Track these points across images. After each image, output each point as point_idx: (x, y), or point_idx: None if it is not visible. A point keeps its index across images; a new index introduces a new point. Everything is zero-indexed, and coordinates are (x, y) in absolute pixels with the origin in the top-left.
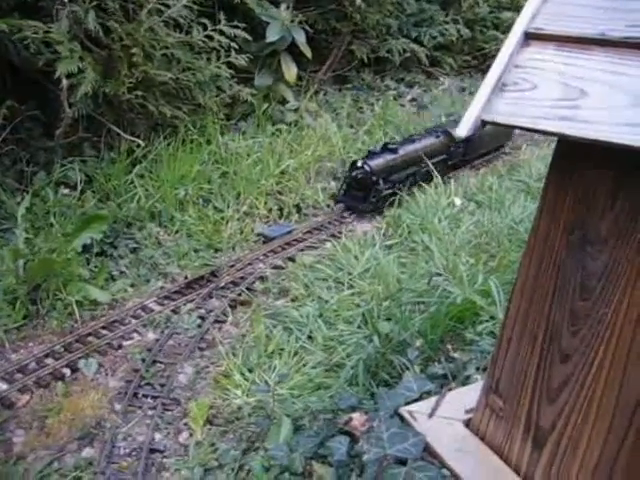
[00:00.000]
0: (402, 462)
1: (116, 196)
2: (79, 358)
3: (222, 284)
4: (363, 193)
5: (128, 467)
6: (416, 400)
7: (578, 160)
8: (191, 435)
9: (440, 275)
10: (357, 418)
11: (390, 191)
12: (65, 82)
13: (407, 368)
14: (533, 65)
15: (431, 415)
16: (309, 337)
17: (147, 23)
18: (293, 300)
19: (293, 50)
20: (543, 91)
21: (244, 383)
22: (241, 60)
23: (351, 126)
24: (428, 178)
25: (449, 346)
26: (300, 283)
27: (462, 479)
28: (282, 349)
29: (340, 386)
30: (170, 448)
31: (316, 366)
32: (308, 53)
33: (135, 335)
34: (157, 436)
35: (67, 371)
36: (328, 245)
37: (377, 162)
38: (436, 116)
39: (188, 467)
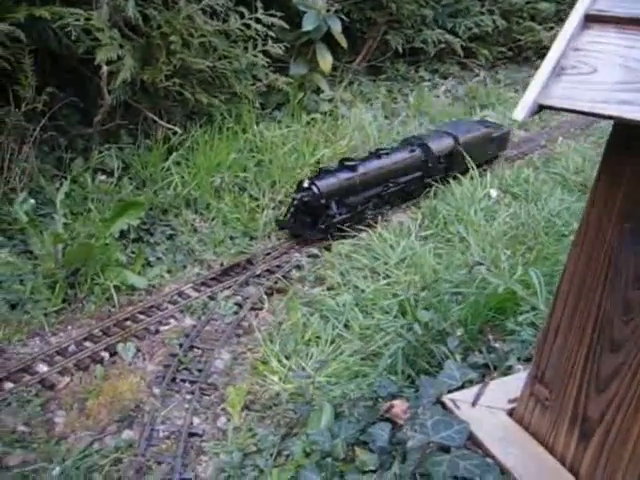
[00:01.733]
0: (445, 450)
1: (152, 183)
2: (117, 342)
3: (258, 272)
4: (311, 218)
5: (167, 450)
6: (458, 389)
7: (634, 148)
8: (229, 420)
9: (482, 264)
10: (398, 405)
11: (345, 216)
12: (105, 69)
13: (447, 357)
14: (593, 48)
15: (474, 404)
16: (345, 325)
17: (185, 11)
18: (329, 289)
19: (328, 40)
20: (603, 74)
21: (281, 370)
22: (277, 49)
23: (385, 117)
24: (396, 200)
25: (490, 336)
26: (336, 272)
27: (507, 468)
28: (319, 337)
29: (379, 374)
30: (208, 432)
31: (353, 354)
32: (343, 43)
33: (172, 320)
34: (195, 420)
35: (106, 355)
36: (363, 235)
37: (328, 182)
38: (469, 107)
39: (227, 451)
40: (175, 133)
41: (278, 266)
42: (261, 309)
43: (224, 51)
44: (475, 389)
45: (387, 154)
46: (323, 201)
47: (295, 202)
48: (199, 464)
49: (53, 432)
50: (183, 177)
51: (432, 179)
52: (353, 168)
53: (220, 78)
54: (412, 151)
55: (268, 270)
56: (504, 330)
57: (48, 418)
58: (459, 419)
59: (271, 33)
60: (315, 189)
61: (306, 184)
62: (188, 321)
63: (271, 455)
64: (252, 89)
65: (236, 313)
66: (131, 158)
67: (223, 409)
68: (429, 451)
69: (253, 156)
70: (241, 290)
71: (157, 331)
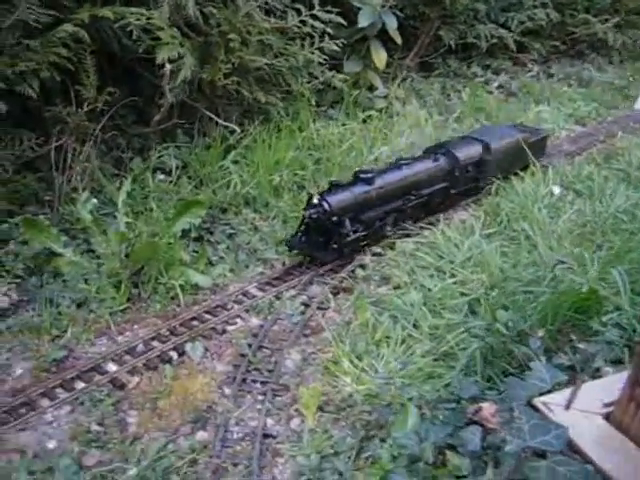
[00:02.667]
0: (540, 455)
1: (211, 182)
2: (185, 342)
3: (321, 271)
4: (324, 237)
5: (242, 452)
6: (547, 392)
7: None
8: (302, 421)
9: (564, 263)
10: (486, 408)
11: (361, 234)
12: (168, 67)
13: (529, 359)
14: None
15: (567, 407)
16: (414, 325)
17: (244, 9)
18: (395, 288)
19: (382, 36)
20: None
21: (354, 371)
22: (334, 46)
23: (440, 113)
24: (419, 214)
25: (573, 336)
26: (401, 271)
27: (610, 477)
28: (388, 337)
29: (455, 375)
30: (282, 434)
31: (425, 355)
32: (398, 39)
33: (238, 320)
34: (269, 422)
35: (174, 354)
36: (426, 232)
37: (340, 197)
38: (523, 103)
39: (304, 454)
40: (232, 132)
41: (341, 265)
42: (327, 309)
43: (281, 49)
44: (566, 392)
45: (408, 164)
46: (335, 218)
47: (305, 220)
48: (275, 466)
49: (127, 432)
50: (241, 176)
51: (458, 191)
52: (369, 181)
53: (277, 76)
54: (436, 160)
55: (331, 269)
56: (587, 331)
57: (121, 418)
58: (557, 423)
59: (328, 30)
60: (326, 205)
61: (315, 200)
62: (255, 321)
63: (349, 458)
64: (308, 87)
65: (303, 313)
66: (188, 157)
67: (296, 410)
68: (524, 456)
69: (311, 154)
70: (306, 289)
71: (224, 331)
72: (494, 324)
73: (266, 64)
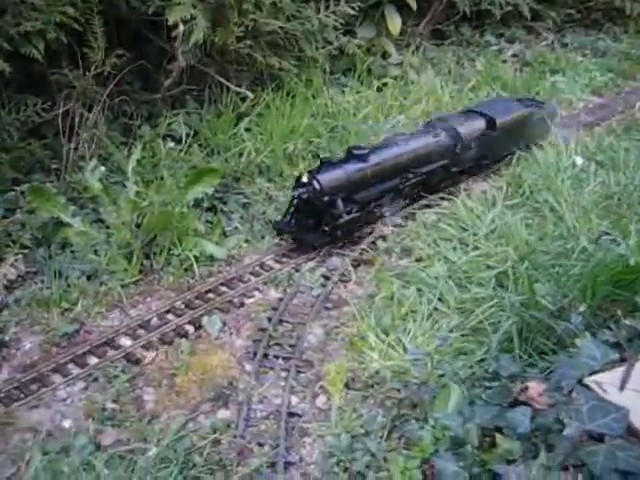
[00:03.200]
0: (595, 438)
1: (223, 150)
2: (201, 315)
3: (340, 242)
4: (314, 219)
5: (267, 431)
6: (597, 371)
7: None
8: (328, 399)
9: (608, 234)
10: (533, 387)
11: (355, 215)
12: (182, 28)
13: (570, 335)
14: None
15: (622, 387)
16: (439, 299)
17: None
18: (418, 260)
19: (396, 1)
20: None
21: (380, 346)
22: (349, 9)
23: (454, 82)
24: (417, 194)
25: (618, 312)
26: (423, 242)
27: None
28: (414, 311)
29: (489, 352)
30: (308, 412)
31: (452, 330)
32: (413, 4)
33: (256, 293)
34: (293, 399)
35: (190, 328)
36: (445, 203)
37: (332, 176)
38: (538, 72)
39: (333, 433)
40: (243, 99)
41: (360, 237)
42: (349, 281)
43: (295, 12)
44: (617, 371)
45: (406, 140)
46: (326, 198)
47: (294, 201)
48: (303, 447)
49: (144, 410)
50: (255, 144)
51: (461, 169)
52: (363, 158)
53: (290, 40)
54: (436, 135)
55: (351, 241)
56: (632, 306)
57: (137, 395)
58: (616, 405)
59: None
60: (316, 184)
61: (305, 179)
62: (273, 294)
63: (381, 438)
64: (322, 52)
65: (323, 285)
66: (199, 124)
67: (321, 387)
68: (580, 440)
69: (325, 122)
70: (325, 261)
71: (242, 304)
72: (533, 298)
73: (280, 27)
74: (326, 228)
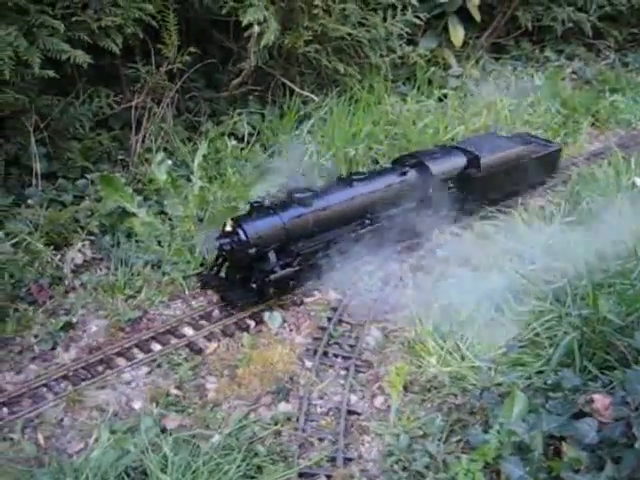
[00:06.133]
0: None
1: (285, 151)
2: (262, 311)
3: (399, 248)
4: (243, 273)
5: (327, 427)
6: None
7: None
8: (386, 400)
9: None
10: (599, 400)
11: (292, 269)
12: (257, 28)
13: (631, 352)
14: None
15: None
16: (496, 310)
17: None
18: (474, 270)
19: (460, 13)
20: None
21: (438, 351)
22: (415, 19)
23: (513, 96)
24: (380, 239)
25: None
26: (480, 253)
27: None
28: (472, 319)
29: (547, 364)
30: (367, 411)
31: (510, 341)
32: (477, 16)
33: (316, 292)
34: (352, 398)
35: (251, 323)
36: (502, 216)
37: (262, 225)
38: (597, 91)
39: (392, 433)
40: (305, 102)
41: (418, 243)
42: (406, 286)
43: (362, 19)
44: None
45: (362, 180)
46: (252, 250)
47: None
48: (362, 444)
49: (206, 398)
50: (316, 146)
51: (436, 212)
52: (305, 202)
53: (355, 47)
54: (402, 174)
55: (408, 247)
56: None
57: (200, 383)
58: None
59: (412, 1)
60: (242, 234)
61: (229, 227)
62: (332, 294)
63: (439, 440)
64: (386, 60)
65: (381, 289)
66: (261, 124)
67: (379, 388)
68: None
69: (386, 129)
70: (383, 266)
71: (302, 302)
72: (596, 313)
73: (348, 34)
74: (254, 285)
